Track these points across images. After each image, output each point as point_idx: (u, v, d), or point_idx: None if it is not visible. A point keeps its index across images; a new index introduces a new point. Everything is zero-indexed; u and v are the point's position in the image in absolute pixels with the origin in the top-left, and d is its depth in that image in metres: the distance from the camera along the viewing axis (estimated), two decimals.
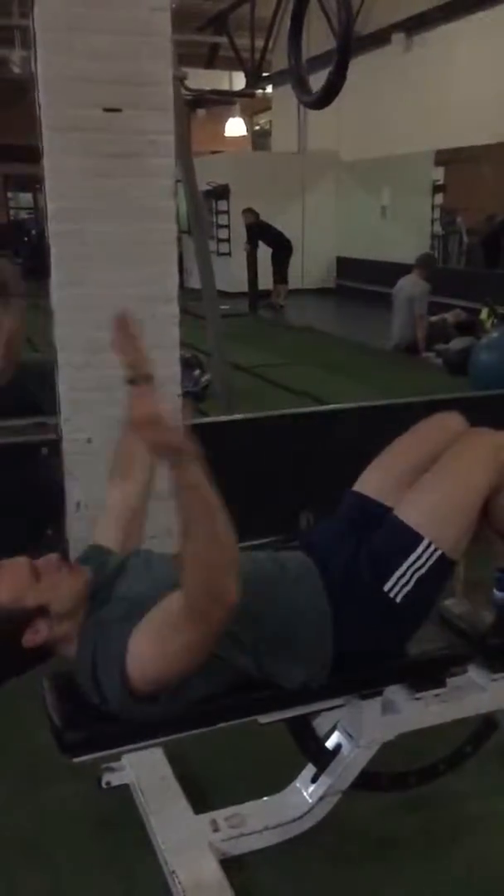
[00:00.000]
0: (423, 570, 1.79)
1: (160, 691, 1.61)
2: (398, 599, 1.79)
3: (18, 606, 1.63)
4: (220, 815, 2.03)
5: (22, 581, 1.65)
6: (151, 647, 1.57)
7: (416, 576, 1.79)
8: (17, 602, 1.63)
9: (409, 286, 7.92)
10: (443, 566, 1.82)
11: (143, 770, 2.18)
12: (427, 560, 1.80)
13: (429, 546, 1.80)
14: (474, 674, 2.09)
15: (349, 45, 3.75)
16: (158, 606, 1.58)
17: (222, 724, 1.81)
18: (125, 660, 1.58)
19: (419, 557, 1.80)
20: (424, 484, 1.89)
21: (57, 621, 1.67)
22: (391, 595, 1.79)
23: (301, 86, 4.86)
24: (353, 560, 1.84)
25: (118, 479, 2.04)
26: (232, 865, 1.92)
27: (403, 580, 1.79)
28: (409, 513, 1.85)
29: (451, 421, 2.07)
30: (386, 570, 1.80)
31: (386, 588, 1.79)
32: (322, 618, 1.79)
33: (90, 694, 1.68)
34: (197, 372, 5.69)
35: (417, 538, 1.80)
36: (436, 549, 1.80)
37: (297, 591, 1.81)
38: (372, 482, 2.03)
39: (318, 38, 6.13)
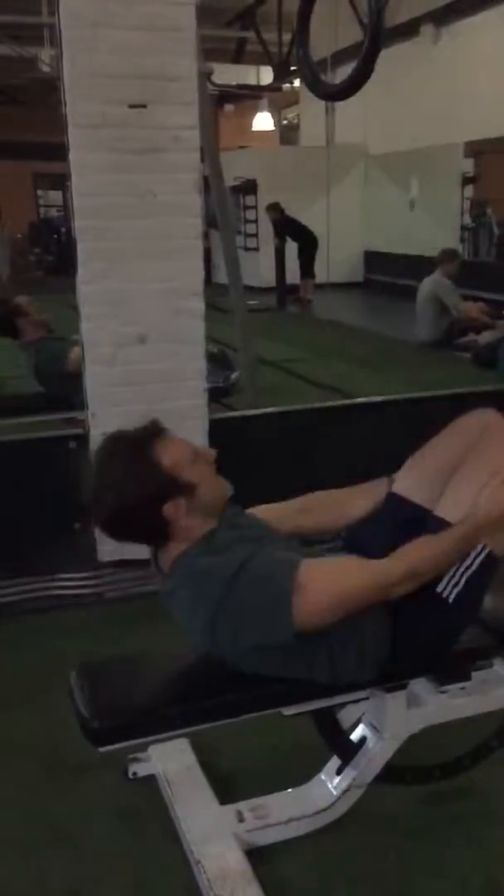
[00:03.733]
0: (472, 570, 1.81)
1: (318, 625, 1.67)
2: (451, 600, 1.81)
3: (174, 475, 1.68)
4: (245, 805, 2.04)
5: (184, 455, 1.71)
6: (326, 582, 1.69)
7: (465, 575, 1.81)
8: (174, 470, 1.68)
9: (432, 285, 7.85)
10: (491, 563, 1.82)
11: (170, 761, 2.20)
12: (475, 559, 1.81)
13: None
14: (500, 667, 2.08)
15: (379, 33, 3.72)
16: (349, 558, 1.83)
17: (247, 716, 1.83)
18: (293, 583, 1.65)
19: (468, 556, 1.81)
20: (464, 481, 1.89)
21: (193, 509, 1.71)
22: (444, 595, 1.81)
23: (313, 78, 4.85)
24: None
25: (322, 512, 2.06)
26: (257, 856, 1.93)
27: (454, 581, 1.81)
28: (454, 513, 1.85)
29: (487, 416, 2.06)
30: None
31: (438, 589, 1.81)
32: (381, 617, 1.81)
33: (199, 602, 1.72)
34: (227, 371, 5.69)
35: None
36: (483, 548, 1.81)
37: None
38: (411, 484, 2.02)
39: (347, 30, 6.10)
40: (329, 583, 1.68)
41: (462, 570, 1.80)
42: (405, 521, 1.95)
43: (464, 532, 1.79)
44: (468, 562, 1.81)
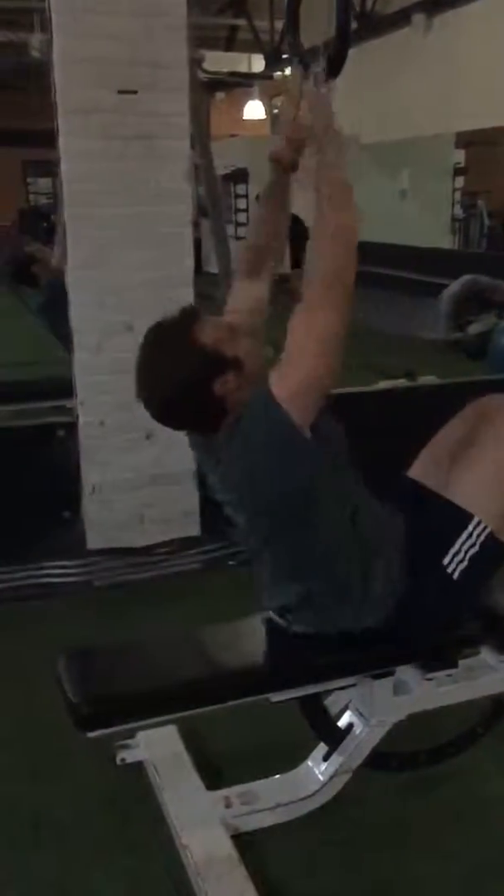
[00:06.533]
0: (475, 548, 1.83)
1: (312, 397, 1.65)
2: (455, 576, 1.82)
3: (218, 352, 1.70)
4: (232, 791, 2.05)
5: (223, 331, 1.74)
6: (299, 342, 1.64)
7: (469, 553, 1.83)
8: (217, 347, 1.70)
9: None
10: (494, 544, 1.84)
11: (157, 747, 2.20)
12: (478, 538, 1.83)
13: (479, 524, 1.83)
14: (487, 655, 2.10)
15: (348, 15, 3.67)
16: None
17: (235, 702, 1.84)
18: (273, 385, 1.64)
19: (470, 535, 1.83)
20: (470, 461, 1.92)
21: (242, 382, 1.71)
22: (449, 571, 1.83)
23: (302, 64, 4.84)
24: (412, 540, 1.87)
25: (247, 278, 2.05)
26: (244, 841, 1.94)
27: (458, 558, 1.83)
28: (457, 492, 1.88)
29: (497, 401, 2.08)
30: (442, 548, 1.84)
31: (444, 562, 1.83)
32: (389, 592, 1.82)
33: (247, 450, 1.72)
34: None
35: (467, 516, 1.84)
36: (485, 527, 1.83)
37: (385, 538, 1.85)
38: (423, 466, 2.07)
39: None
40: (298, 361, 1.64)
41: (466, 547, 1.83)
42: (417, 501, 1.98)
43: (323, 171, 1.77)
44: (471, 540, 1.83)
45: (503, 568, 2.12)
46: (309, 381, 1.65)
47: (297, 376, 1.64)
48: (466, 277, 7.85)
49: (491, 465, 1.89)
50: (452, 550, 1.83)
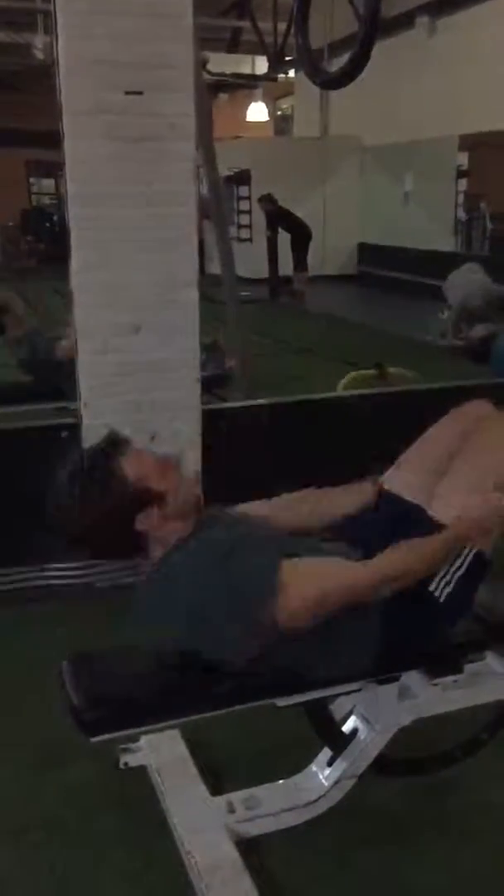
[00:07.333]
0: (461, 571, 1.81)
1: (299, 627, 1.65)
2: (442, 599, 1.81)
3: (142, 485, 1.68)
4: (236, 796, 2.04)
5: (149, 465, 1.71)
6: (305, 587, 1.65)
7: (455, 575, 1.82)
8: (141, 481, 1.68)
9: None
10: (480, 563, 1.83)
11: (161, 751, 2.19)
12: (464, 560, 1.81)
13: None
14: (492, 661, 2.09)
15: (376, 22, 3.71)
16: (332, 560, 1.74)
17: (239, 707, 1.83)
18: (275, 586, 1.62)
19: (458, 557, 1.81)
20: (456, 478, 1.89)
21: (165, 517, 1.71)
22: (436, 594, 1.81)
23: (311, 66, 4.88)
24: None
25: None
26: (247, 847, 1.93)
27: (445, 580, 1.81)
28: (446, 512, 1.85)
29: (481, 408, 2.06)
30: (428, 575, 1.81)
31: (431, 588, 1.81)
32: (368, 612, 1.79)
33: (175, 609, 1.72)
34: (221, 361, 5.67)
35: None
36: (470, 549, 1.81)
37: None
38: (405, 479, 2.02)
39: (342, 21, 6.08)
40: (308, 588, 1.65)
41: (453, 570, 1.81)
42: (400, 517, 1.95)
43: (446, 538, 1.78)
44: (458, 563, 1.81)
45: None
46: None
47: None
48: (470, 275, 7.80)
49: (479, 482, 1.87)
50: (439, 574, 1.81)
